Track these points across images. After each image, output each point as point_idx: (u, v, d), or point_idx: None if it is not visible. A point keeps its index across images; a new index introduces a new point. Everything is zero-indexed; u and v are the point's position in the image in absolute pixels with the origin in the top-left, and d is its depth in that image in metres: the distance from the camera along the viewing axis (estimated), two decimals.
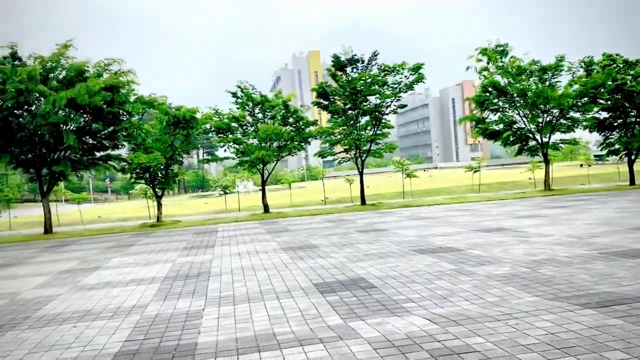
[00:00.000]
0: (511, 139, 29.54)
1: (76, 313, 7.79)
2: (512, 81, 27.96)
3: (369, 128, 27.82)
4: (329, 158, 29.86)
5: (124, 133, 25.59)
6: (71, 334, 6.63)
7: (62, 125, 23.82)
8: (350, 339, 5.52)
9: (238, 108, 27.07)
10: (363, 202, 27.53)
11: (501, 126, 29.56)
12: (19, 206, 60.33)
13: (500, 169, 76.53)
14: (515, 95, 28.14)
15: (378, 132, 27.64)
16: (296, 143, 26.73)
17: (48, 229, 25.32)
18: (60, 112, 22.97)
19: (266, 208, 27.05)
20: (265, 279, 9.21)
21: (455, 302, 6.75)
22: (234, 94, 26.74)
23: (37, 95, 22.75)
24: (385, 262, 9.91)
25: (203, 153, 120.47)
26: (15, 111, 23.14)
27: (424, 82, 26.41)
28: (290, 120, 26.74)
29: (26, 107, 23.11)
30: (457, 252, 10.58)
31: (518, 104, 28.72)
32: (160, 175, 26.51)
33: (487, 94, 28.94)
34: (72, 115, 23.05)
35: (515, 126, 29.62)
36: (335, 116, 27.94)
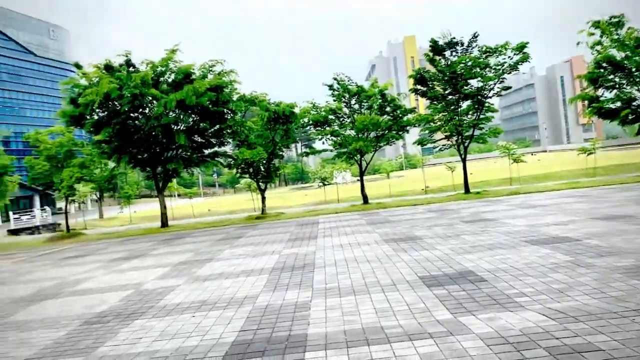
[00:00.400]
0: (630, 118, 26.99)
1: (194, 303, 8.29)
2: (630, 55, 25.49)
3: (470, 113, 26.79)
4: (429, 145, 29.18)
5: (228, 130, 26.79)
6: (191, 324, 7.06)
7: (173, 126, 25.40)
8: (461, 334, 5.36)
9: (334, 100, 27.25)
10: (467, 190, 26.62)
11: (618, 104, 27.08)
12: (137, 202, 65.34)
13: (618, 150, 70.42)
14: (634, 69, 25.66)
15: (481, 116, 26.51)
16: (394, 132, 26.41)
17: (164, 222, 27.18)
18: (170, 113, 24.49)
19: (365, 199, 27.05)
20: (369, 272, 9.20)
21: (574, 297, 6.32)
22: (330, 86, 26.96)
23: (150, 98, 24.41)
24: (495, 254, 9.50)
25: (301, 146, 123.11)
26: (131, 114, 25.02)
27: (529, 62, 24.87)
28: (388, 109, 26.46)
29: (140, 110, 24.89)
30: (573, 242, 9.89)
31: (638, 79, 26.16)
32: (263, 169, 27.45)
33: (601, 70, 26.62)
34: (181, 116, 24.51)
35: (634, 103, 27.04)
36: (435, 102, 27.20)
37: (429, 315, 6.16)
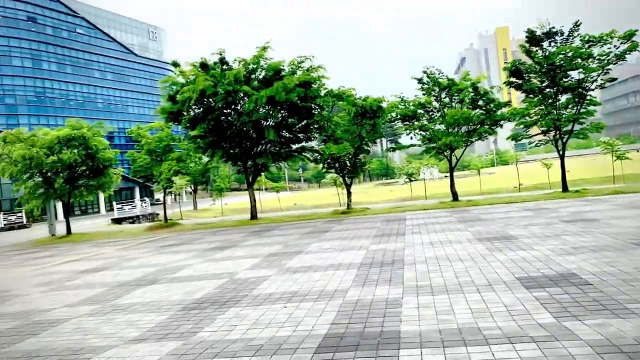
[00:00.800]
0: None
1: (285, 294, 8.46)
2: None
3: (570, 106, 25.19)
4: (523, 141, 27.79)
5: (315, 126, 27.10)
6: (283, 314, 7.20)
7: (262, 122, 26.10)
8: (567, 339, 5.04)
9: (424, 94, 26.69)
10: (565, 188, 25.09)
11: None
12: (228, 195, 68.03)
13: None
14: None
15: (582, 110, 24.83)
16: (487, 127, 25.41)
17: (254, 215, 28.02)
18: (261, 109, 25.17)
19: (455, 196, 26.30)
20: (463, 270, 8.92)
21: None
22: (420, 80, 26.41)
23: (242, 95, 25.20)
24: (601, 257, 8.85)
25: (387, 141, 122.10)
26: (224, 111, 25.99)
27: (638, 51, 22.90)
28: (480, 102, 25.51)
29: (233, 106, 25.77)
30: None
31: None
32: (349, 164, 27.51)
33: None
34: (271, 112, 25.11)
35: None
36: (531, 95, 25.82)
37: (530, 318, 5.86)
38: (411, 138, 27.03)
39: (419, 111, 26.44)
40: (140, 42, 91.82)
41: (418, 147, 27.71)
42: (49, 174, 28.12)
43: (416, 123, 26.54)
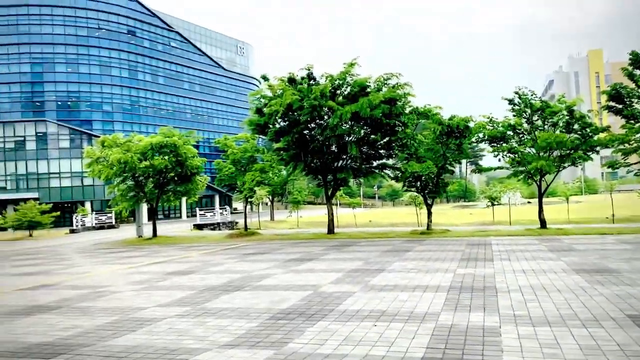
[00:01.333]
0: None
1: (373, 312, 8.30)
2: None
3: None
4: (621, 170, 26.05)
5: (398, 143, 26.83)
6: (374, 332, 7.05)
7: (345, 137, 26.22)
8: None
9: (514, 115, 25.72)
10: None
11: None
12: (302, 207, 68.76)
13: None
14: None
15: None
16: (581, 152, 24.01)
17: (331, 229, 28.08)
18: (344, 124, 25.31)
19: (543, 223, 25.00)
20: (563, 302, 8.37)
21: None
22: (510, 101, 25.49)
23: (327, 109, 25.46)
24: None
25: (467, 162, 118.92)
26: (309, 125, 26.38)
27: None
28: (575, 127, 24.19)
29: (317, 120, 26.10)
30: None
31: None
32: (431, 183, 26.95)
33: None
34: (354, 128, 25.15)
35: None
36: (632, 121, 24.22)
37: None
38: (499, 160, 26.09)
39: (508, 133, 25.49)
40: (228, 57, 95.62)
41: (505, 170, 26.68)
42: (140, 178, 29.70)
43: (504, 145, 25.58)
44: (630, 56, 23.50)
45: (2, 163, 66.43)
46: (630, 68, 23.82)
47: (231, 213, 53.06)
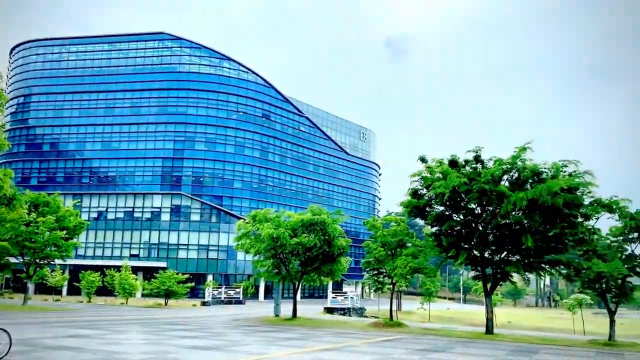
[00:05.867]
0: None
1: None
2: None
3: None
4: None
5: (575, 237, 23.86)
6: None
7: (514, 226, 23.88)
8: None
9: None
10: None
11: None
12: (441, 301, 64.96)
13: None
14: None
15: None
16: None
17: (489, 328, 25.08)
18: (519, 212, 23.09)
19: None
20: None
21: None
22: None
23: (494, 196, 23.42)
24: None
25: None
26: (474, 211, 24.47)
27: None
28: None
29: (485, 206, 24.14)
30: None
31: None
32: (614, 286, 23.37)
33: None
34: (533, 217, 22.74)
35: None
36: None
37: None
38: None
39: None
40: (351, 142, 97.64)
41: None
42: (287, 255, 29.06)
43: None
44: None
45: (139, 232, 70.56)
46: None
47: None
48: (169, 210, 71.47)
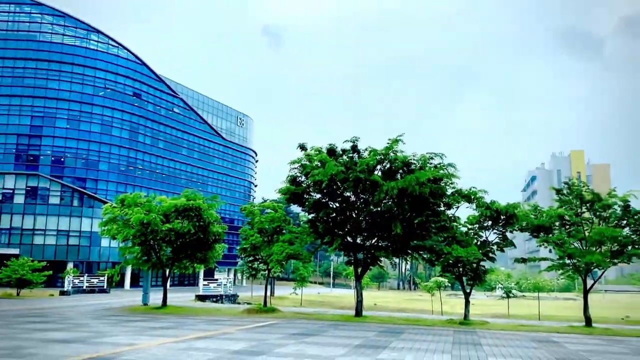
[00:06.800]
0: None
1: None
2: None
3: None
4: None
5: (437, 224, 25.68)
6: None
7: (386, 214, 25.06)
8: None
9: (560, 206, 25.03)
10: None
11: None
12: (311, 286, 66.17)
13: None
14: None
15: None
16: (636, 248, 23.15)
17: (359, 311, 26.17)
18: (390, 201, 24.24)
19: (588, 321, 23.61)
20: None
21: None
22: (559, 191, 24.89)
23: (369, 184, 24.37)
24: None
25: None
26: (350, 199, 25.24)
27: None
28: (630, 221, 23.48)
29: (360, 195, 25.01)
30: None
31: None
32: (469, 270, 25.58)
33: None
34: (403, 205, 24.00)
35: None
36: None
37: None
38: (550, 251, 25.04)
39: (556, 223, 24.66)
40: (228, 127, 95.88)
41: (551, 261, 25.55)
42: (157, 242, 27.74)
43: (551, 236, 24.63)
44: None
45: None
46: None
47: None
48: (23, 192, 64.72)
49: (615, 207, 23.76)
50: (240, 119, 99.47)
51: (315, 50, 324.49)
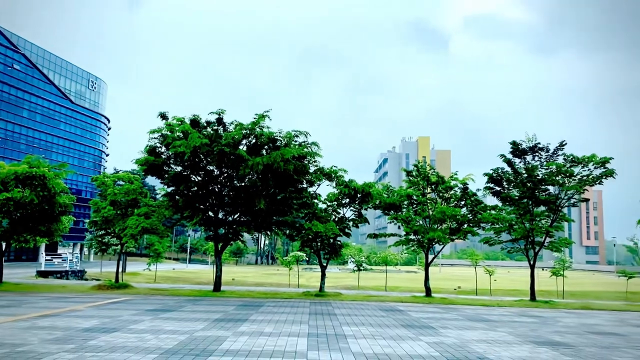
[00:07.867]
0: None
1: None
2: None
3: (543, 220, 26.44)
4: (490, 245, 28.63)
5: (299, 201, 26.33)
6: None
7: (251, 189, 25.07)
8: None
9: (409, 186, 27.11)
10: (533, 297, 25.85)
11: None
12: (166, 262, 63.76)
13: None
14: None
15: (555, 224, 26.22)
16: (471, 226, 26.00)
17: (218, 286, 26.03)
18: (254, 176, 24.24)
19: (428, 291, 26.14)
20: None
21: None
22: (409, 172, 26.90)
23: (233, 158, 24.12)
24: None
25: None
26: (213, 172, 24.76)
27: (614, 177, 24.87)
28: (468, 202, 26.23)
29: (223, 169, 24.64)
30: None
31: None
32: (327, 244, 26.73)
33: None
34: (267, 181, 24.14)
35: None
36: (507, 203, 27.02)
37: None
38: (399, 227, 26.99)
39: (405, 202, 26.67)
40: (78, 90, 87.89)
41: (399, 237, 27.60)
42: None
43: (400, 214, 26.62)
44: (511, 145, 26.42)
45: None
46: (509, 155, 26.59)
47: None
48: None
49: (456, 189, 26.35)
50: (92, 81, 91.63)
51: (175, 14, 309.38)
